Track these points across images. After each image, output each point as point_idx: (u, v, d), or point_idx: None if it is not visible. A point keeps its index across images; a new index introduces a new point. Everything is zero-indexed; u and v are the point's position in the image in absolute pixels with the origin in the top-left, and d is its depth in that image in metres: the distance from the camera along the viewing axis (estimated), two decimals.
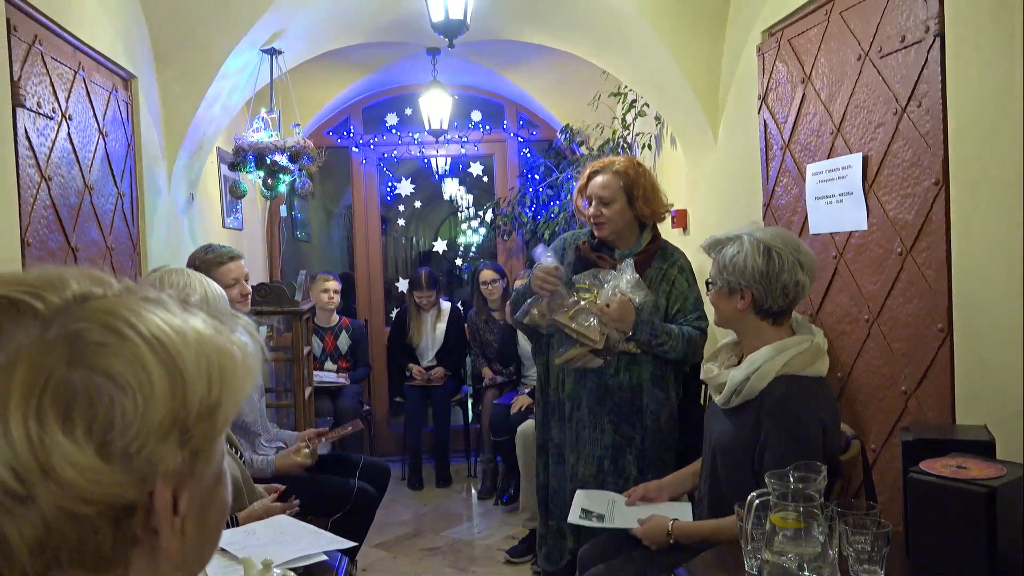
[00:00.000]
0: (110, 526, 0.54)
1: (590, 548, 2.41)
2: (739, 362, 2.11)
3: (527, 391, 4.42)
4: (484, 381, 5.19)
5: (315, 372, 4.71)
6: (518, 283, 3.30)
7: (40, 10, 2.48)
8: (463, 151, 6.17)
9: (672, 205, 2.85)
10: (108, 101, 3.03)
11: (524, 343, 4.34)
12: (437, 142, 5.64)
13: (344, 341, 5.34)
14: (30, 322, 0.53)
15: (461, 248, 6.81)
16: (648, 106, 4.45)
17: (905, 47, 2.18)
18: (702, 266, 3.68)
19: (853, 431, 2.21)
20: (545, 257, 2.72)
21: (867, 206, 2.40)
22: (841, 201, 2.52)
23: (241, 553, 1.84)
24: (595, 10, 3.68)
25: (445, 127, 5.37)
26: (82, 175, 2.79)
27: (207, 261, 2.90)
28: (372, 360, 5.73)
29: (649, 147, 4.60)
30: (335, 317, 5.37)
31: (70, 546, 0.52)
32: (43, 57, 2.51)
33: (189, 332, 0.58)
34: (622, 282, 2.59)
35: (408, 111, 6.05)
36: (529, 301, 2.73)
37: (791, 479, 1.55)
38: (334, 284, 5.30)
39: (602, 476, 2.74)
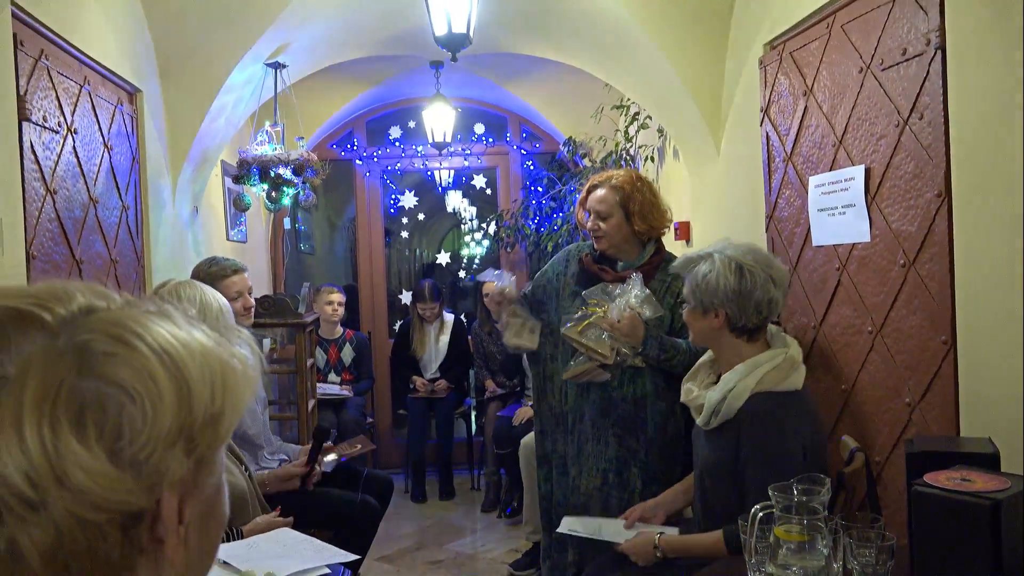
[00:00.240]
0: (119, 533, 0.54)
1: (594, 567, 2.40)
2: (718, 380, 2.11)
3: (530, 403, 4.42)
4: (487, 393, 5.18)
5: (319, 384, 4.71)
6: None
7: (47, 25, 2.50)
8: (466, 163, 6.19)
9: (671, 220, 2.85)
10: (113, 115, 3.05)
11: None
12: (440, 155, 5.66)
13: (348, 353, 5.34)
14: (38, 333, 0.54)
15: (464, 260, 6.82)
16: (651, 118, 4.46)
17: (906, 60, 2.19)
18: None
19: (857, 443, 2.20)
20: (497, 278, 2.84)
21: (870, 218, 2.40)
22: (844, 213, 2.52)
23: (244, 566, 1.84)
24: (598, 23, 3.70)
25: (448, 140, 5.39)
26: (87, 188, 2.81)
27: (211, 274, 2.91)
28: (375, 372, 5.73)
29: (652, 159, 4.61)
30: (339, 329, 5.37)
31: (80, 554, 0.53)
32: (49, 72, 2.52)
33: (193, 343, 0.59)
34: (631, 296, 2.59)
35: (411, 124, 6.08)
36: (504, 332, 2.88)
37: (795, 491, 1.55)
38: (338, 296, 5.30)
39: (606, 490, 2.72)
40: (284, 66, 4.13)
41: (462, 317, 5.89)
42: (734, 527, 1.95)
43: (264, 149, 4.07)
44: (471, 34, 3.29)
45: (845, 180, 2.51)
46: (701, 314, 2.10)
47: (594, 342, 2.55)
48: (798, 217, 2.83)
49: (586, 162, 5.37)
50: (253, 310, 3.05)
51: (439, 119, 5.26)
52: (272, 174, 4.03)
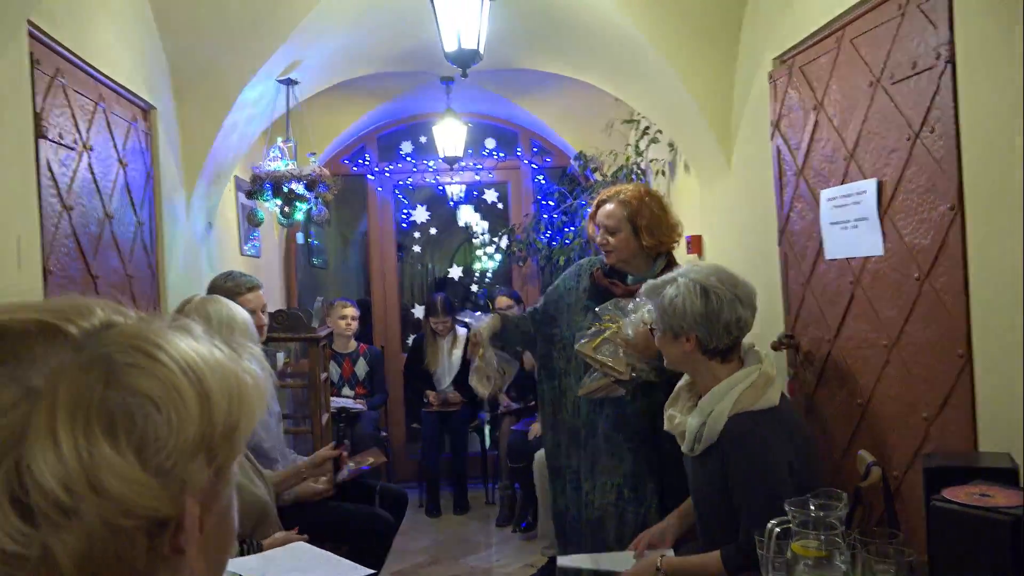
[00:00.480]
0: (146, 540, 0.55)
1: None
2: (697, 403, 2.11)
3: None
4: (501, 408, 5.17)
5: (332, 398, 4.72)
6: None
7: (63, 44, 2.53)
8: (477, 178, 6.21)
9: (681, 234, 2.84)
10: (128, 132, 3.08)
11: None
12: (452, 170, 5.68)
13: (361, 367, 5.35)
14: (62, 345, 0.56)
15: (476, 274, 6.83)
16: (661, 132, 4.47)
17: (917, 73, 2.18)
18: None
19: (874, 457, 2.19)
20: (473, 319, 2.92)
21: (883, 231, 2.39)
22: (856, 226, 2.52)
23: None
24: (607, 39, 3.72)
25: (459, 155, 5.41)
26: (103, 204, 2.83)
27: (227, 289, 2.93)
28: (389, 387, 5.73)
29: (663, 173, 4.61)
30: (353, 343, 5.38)
31: (109, 561, 0.54)
32: (65, 90, 2.55)
33: (210, 357, 0.61)
34: (645, 311, 2.58)
35: (423, 139, 6.11)
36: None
37: (811, 507, 1.54)
38: (352, 310, 5.32)
39: (622, 505, 2.70)
40: (296, 82, 4.16)
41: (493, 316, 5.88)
42: (731, 547, 1.95)
43: (277, 165, 4.10)
44: (481, 50, 3.31)
45: (857, 193, 2.50)
46: (672, 339, 2.11)
47: (609, 358, 2.54)
48: (810, 231, 2.82)
49: (597, 176, 5.37)
50: (266, 328, 3.06)
51: (450, 134, 5.29)
52: (285, 189, 4.05)
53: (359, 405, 5.13)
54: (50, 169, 2.43)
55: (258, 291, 2.99)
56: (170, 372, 0.57)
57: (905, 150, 2.26)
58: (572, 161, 5.58)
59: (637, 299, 2.64)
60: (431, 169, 6.10)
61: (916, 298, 2.25)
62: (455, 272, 6.70)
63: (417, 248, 6.75)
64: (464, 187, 6.38)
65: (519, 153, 6.17)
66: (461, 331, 5.58)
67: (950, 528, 1.46)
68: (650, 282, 2.20)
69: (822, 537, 1.49)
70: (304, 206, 4.18)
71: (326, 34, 3.75)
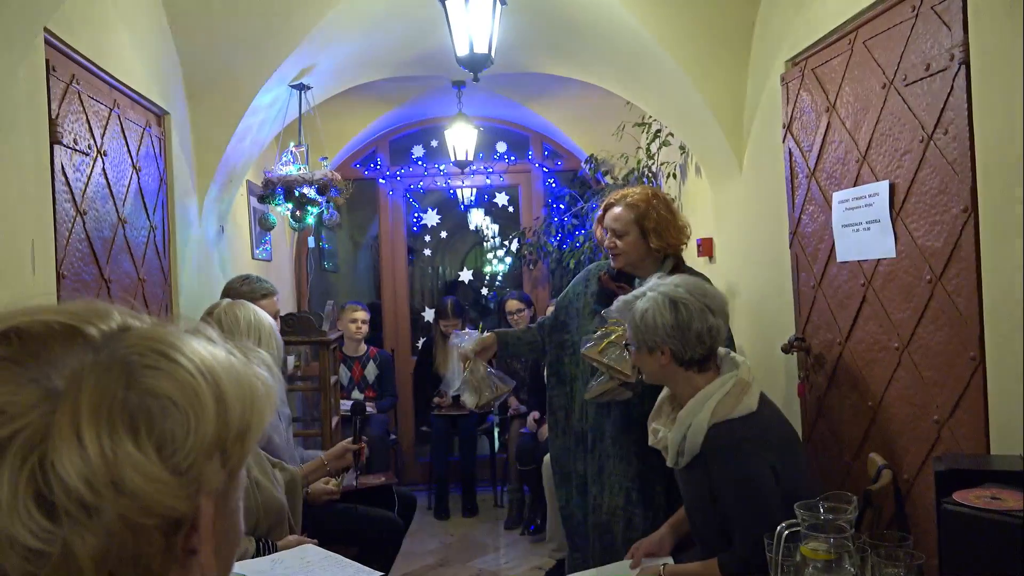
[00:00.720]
0: (163, 539, 0.56)
1: None
2: None
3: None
4: (510, 411, 5.18)
5: (342, 401, 4.73)
6: (550, 309, 3.32)
7: (78, 50, 2.56)
8: (488, 182, 6.22)
9: (689, 237, 2.84)
10: (142, 137, 3.11)
11: None
12: (463, 173, 5.70)
13: (372, 370, 5.37)
14: (81, 347, 0.57)
15: (487, 277, 6.84)
16: (672, 135, 4.46)
17: (930, 75, 2.18)
18: (730, 289, 3.67)
19: (885, 460, 2.18)
20: (458, 339, 2.99)
21: (895, 234, 2.39)
22: (868, 229, 2.51)
23: None
24: (618, 42, 3.72)
25: (470, 158, 5.42)
26: (116, 209, 2.85)
27: (241, 293, 2.95)
28: (398, 390, 5.74)
29: (674, 176, 4.61)
30: (363, 347, 5.40)
31: (126, 559, 0.55)
32: (80, 96, 2.58)
33: (224, 360, 0.63)
34: None
35: (434, 143, 6.13)
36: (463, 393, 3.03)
37: (821, 510, 1.54)
38: (363, 314, 5.33)
39: (630, 508, 2.69)
40: (308, 87, 4.19)
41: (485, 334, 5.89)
42: (726, 555, 1.95)
43: (289, 169, 4.12)
44: (493, 54, 3.32)
45: (869, 196, 2.49)
46: (648, 354, 2.12)
47: (615, 361, 2.54)
48: (822, 233, 2.82)
49: (608, 179, 5.38)
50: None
51: (461, 138, 5.30)
52: (296, 193, 4.07)
53: (369, 408, 5.14)
54: (64, 174, 2.46)
55: (272, 298, 3.02)
56: (188, 374, 0.58)
57: (918, 152, 2.25)
58: (583, 164, 5.58)
59: None
60: (442, 173, 6.11)
61: (928, 301, 2.24)
62: (465, 275, 6.71)
63: (428, 251, 6.76)
64: (475, 190, 6.40)
65: (530, 156, 6.18)
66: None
67: (961, 531, 1.45)
68: (621, 298, 2.22)
69: (831, 540, 1.48)
70: (315, 210, 4.20)
71: (338, 39, 3.77)
